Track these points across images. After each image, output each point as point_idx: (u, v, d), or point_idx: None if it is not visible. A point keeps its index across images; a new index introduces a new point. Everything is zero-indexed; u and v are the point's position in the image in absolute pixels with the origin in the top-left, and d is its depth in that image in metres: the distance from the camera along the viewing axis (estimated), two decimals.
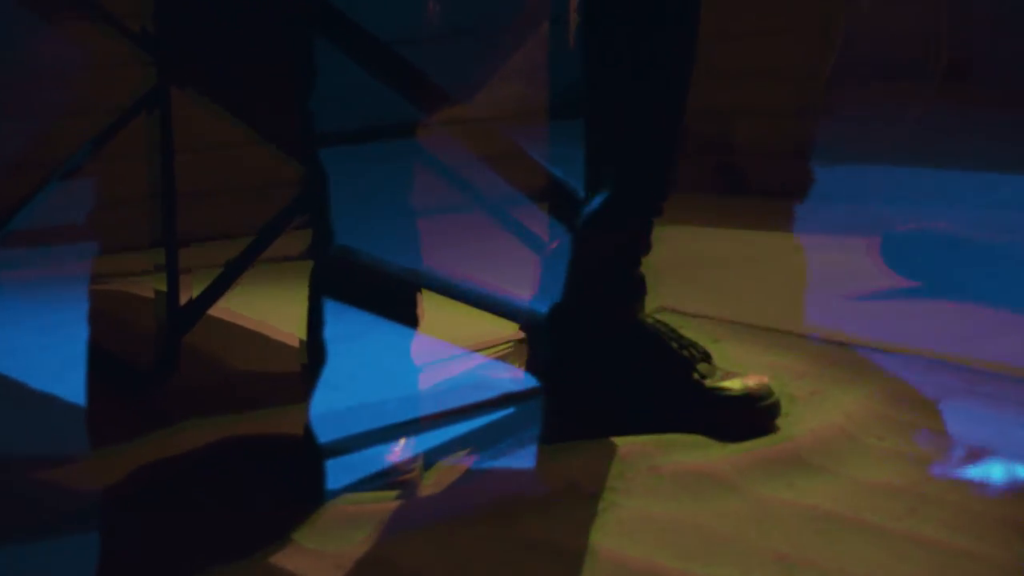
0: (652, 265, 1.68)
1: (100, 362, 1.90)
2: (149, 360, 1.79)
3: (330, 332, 1.50)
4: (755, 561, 1.28)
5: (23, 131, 2.41)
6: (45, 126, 2.39)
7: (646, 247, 1.67)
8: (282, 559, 1.29)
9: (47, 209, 2.06)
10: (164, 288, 1.81)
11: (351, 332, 1.54)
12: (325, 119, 1.50)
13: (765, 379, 1.62)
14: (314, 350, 1.50)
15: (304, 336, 1.55)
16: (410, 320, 1.61)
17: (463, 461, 1.52)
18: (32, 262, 2.37)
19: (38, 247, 2.35)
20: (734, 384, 1.60)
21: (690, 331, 1.71)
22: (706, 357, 1.65)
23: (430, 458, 1.51)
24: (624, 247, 1.65)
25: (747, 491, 1.43)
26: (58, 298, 2.25)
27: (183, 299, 1.79)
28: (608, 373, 1.64)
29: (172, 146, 1.83)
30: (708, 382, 1.61)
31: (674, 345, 1.63)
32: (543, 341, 1.70)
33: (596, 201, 1.61)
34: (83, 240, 2.44)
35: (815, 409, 1.65)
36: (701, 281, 2.30)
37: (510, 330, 1.87)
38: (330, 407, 1.50)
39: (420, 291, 1.65)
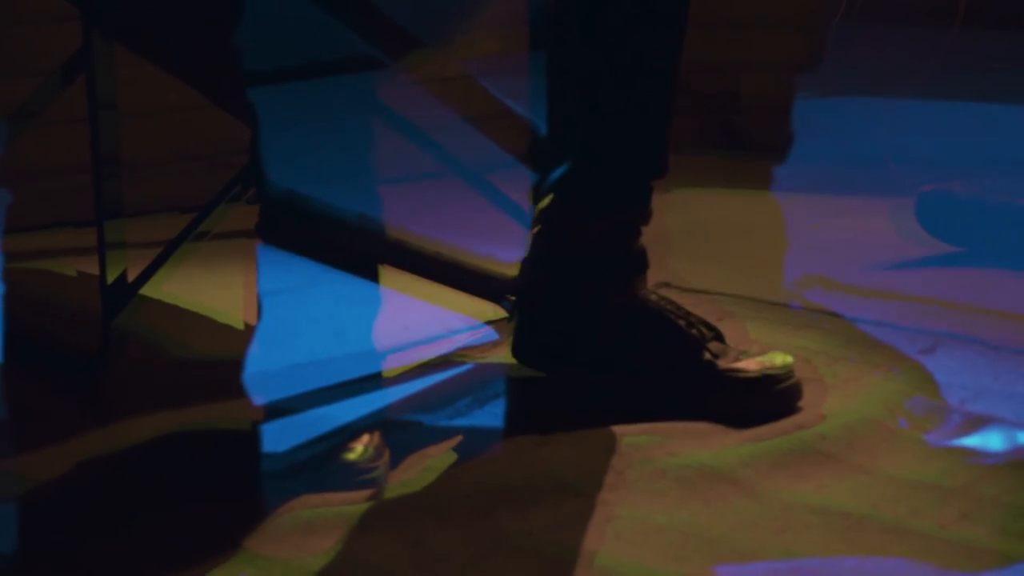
0: (651, 234, 1.63)
1: (36, 349, 1.85)
2: (89, 347, 1.76)
3: (268, 284, 1.45)
4: None
5: None
6: None
7: (647, 216, 1.62)
8: (235, 568, 1.25)
9: None
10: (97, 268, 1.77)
11: (295, 284, 1.50)
12: (258, 57, 1.43)
13: (789, 358, 1.57)
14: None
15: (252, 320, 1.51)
16: (367, 271, 1.54)
17: (435, 453, 1.48)
18: None
19: None
20: (750, 364, 1.55)
21: (698, 310, 1.65)
22: (718, 336, 1.59)
23: (398, 451, 1.45)
24: (622, 221, 1.60)
25: (766, 494, 1.36)
26: None
27: (121, 278, 1.75)
28: (607, 357, 1.58)
29: (96, 109, 1.76)
30: (721, 363, 1.55)
31: (682, 323, 1.58)
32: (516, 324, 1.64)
33: (557, 176, 1.57)
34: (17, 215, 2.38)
35: (850, 399, 1.58)
36: (708, 252, 2.24)
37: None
38: (269, 365, 1.46)
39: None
